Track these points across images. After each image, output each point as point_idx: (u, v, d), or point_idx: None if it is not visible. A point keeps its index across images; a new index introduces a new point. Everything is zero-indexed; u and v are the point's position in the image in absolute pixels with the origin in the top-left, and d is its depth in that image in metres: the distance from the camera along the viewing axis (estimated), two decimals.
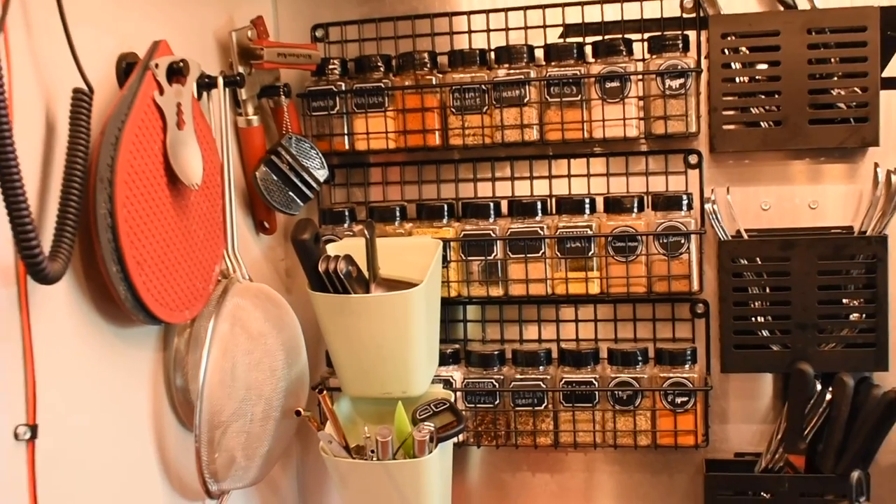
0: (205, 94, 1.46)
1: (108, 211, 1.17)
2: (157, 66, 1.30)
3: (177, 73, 1.33)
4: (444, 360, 1.70)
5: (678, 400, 1.61)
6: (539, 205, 1.67)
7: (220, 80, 1.46)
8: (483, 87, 1.65)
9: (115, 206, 1.17)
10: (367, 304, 1.52)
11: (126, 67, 1.30)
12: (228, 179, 1.47)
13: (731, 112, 1.62)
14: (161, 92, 1.29)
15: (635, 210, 1.64)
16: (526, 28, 1.72)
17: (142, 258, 1.22)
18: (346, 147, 1.73)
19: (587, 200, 1.66)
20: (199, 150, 1.35)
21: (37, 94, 1.13)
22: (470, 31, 1.74)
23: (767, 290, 1.61)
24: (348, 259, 1.50)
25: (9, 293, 1.07)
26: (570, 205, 1.66)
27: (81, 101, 1.14)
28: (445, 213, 1.71)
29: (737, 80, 1.61)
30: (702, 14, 1.65)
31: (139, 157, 1.23)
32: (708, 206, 1.63)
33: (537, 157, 1.74)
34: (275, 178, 1.62)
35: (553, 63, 1.66)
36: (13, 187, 0.98)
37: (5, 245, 1.05)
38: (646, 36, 1.66)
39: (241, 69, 1.59)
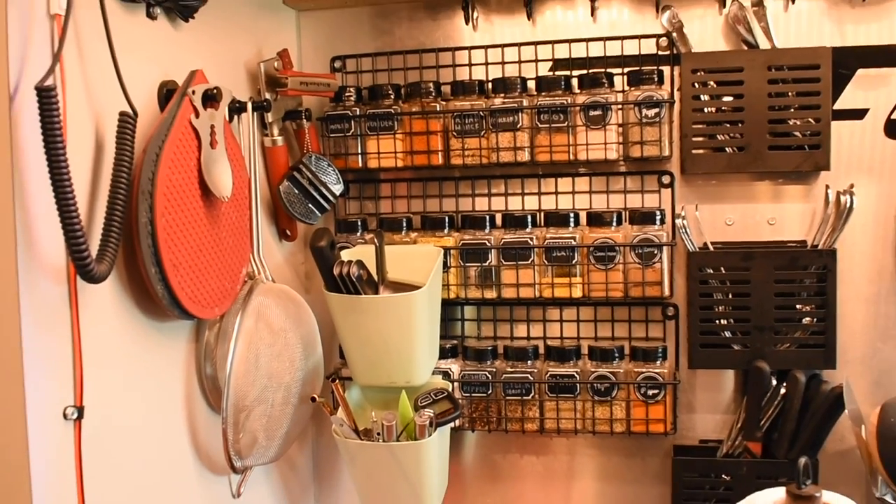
0: (235, 117, 1.47)
1: (148, 219, 1.19)
2: (193, 92, 1.31)
3: (211, 98, 1.34)
4: (444, 353, 1.71)
5: (650, 392, 1.62)
6: (529, 218, 1.68)
7: (249, 105, 1.47)
8: (481, 113, 1.66)
9: (155, 216, 1.19)
10: (376, 303, 1.53)
11: (166, 93, 1.31)
12: (255, 192, 1.48)
13: (699, 138, 1.62)
14: (197, 115, 1.30)
15: (614, 224, 1.64)
16: (520, 62, 1.72)
17: (177, 261, 1.23)
18: (360, 165, 1.73)
19: (571, 215, 1.67)
20: (229, 166, 1.36)
21: (88, 116, 1.15)
22: (470, 64, 1.75)
23: (730, 296, 1.62)
24: (360, 264, 1.51)
25: (61, 290, 1.08)
26: (556, 218, 1.67)
27: (126, 123, 1.15)
28: (446, 225, 1.71)
29: (705, 110, 1.62)
30: (675, 52, 1.66)
31: (176, 172, 1.24)
32: (679, 221, 1.64)
33: (528, 176, 1.74)
34: (296, 191, 1.63)
35: (543, 93, 1.67)
36: (66, 198, 1.00)
37: (58, 248, 1.07)
38: (625, 70, 1.67)
39: (267, 95, 1.60)
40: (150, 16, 1.30)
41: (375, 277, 1.57)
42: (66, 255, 1.07)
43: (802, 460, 1.22)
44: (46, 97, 0.98)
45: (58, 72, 1.06)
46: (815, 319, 1.59)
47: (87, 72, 1.14)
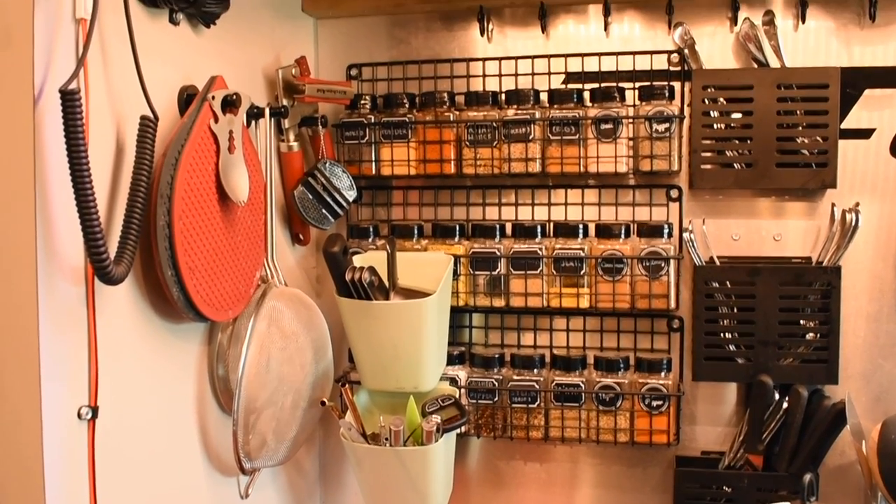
0: (253, 122, 1.46)
1: (166, 223, 1.18)
2: (213, 98, 1.30)
3: (230, 104, 1.33)
4: (451, 360, 1.69)
5: (654, 403, 1.60)
6: (539, 228, 1.66)
7: (267, 111, 1.46)
8: (494, 124, 1.65)
9: (173, 219, 1.18)
10: (387, 309, 1.51)
11: (187, 98, 1.31)
12: (270, 197, 1.46)
13: (708, 154, 1.61)
14: (216, 120, 1.30)
15: (622, 236, 1.62)
16: (533, 74, 1.71)
17: (193, 264, 1.22)
18: (373, 172, 1.72)
19: (581, 226, 1.65)
20: (246, 171, 1.34)
21: (109, 119, 1.14)
22: (484, 75, 1.74)
23: (735, 310, 1.60)
24: (371, 270, 1.50)
25: (78, 291, 1.07)
26: (565, 229, 1.66)
27: (147, 127, 1.14)
28: (457, 233, 1.69)
29: (714, 126, 1.60)
30: (686, 68, 1.64)
31: (195, 176, 1.23)
32: (686, 235, 1.63)
33: (539, 187, 1.73)
34: (310, 196, 1.62)
35: (555, 105, 1.65)
36: (86, 201, 0.99)
37: (76, 249, 1.06)
38: (637, 85, 1.65)
39: (285, 102, 1.59)
40: (173, 21, 1.29)
41: (386, 283, 1.55)
42: (85, 257, 1.06)
43: (807, 477, 1.21)
44: (70, 100, 0.97)
45: (81, 75, 1.05)
46: (818, 335, 1.57)
47: (110, 75, 1.13)
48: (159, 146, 1.19)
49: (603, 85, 1.66)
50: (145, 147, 1.14)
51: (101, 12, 1.08)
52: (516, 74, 1.72)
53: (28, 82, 1.00)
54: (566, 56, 1.70)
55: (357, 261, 1.60)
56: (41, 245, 1.01)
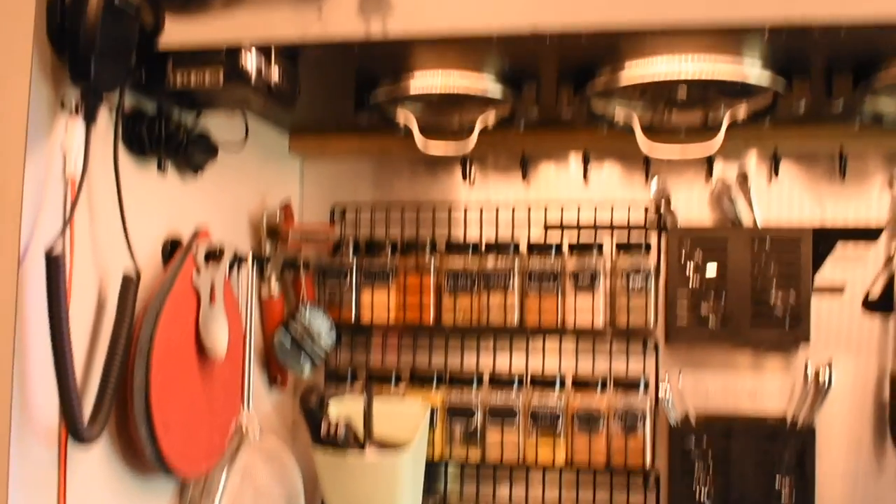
0: (235, 266, 1.47)
1: (143, 379, 1.17)
2: (196, 250, 1.31)
3: (213, 255, 1.34)
4: None
5: None
6: (516, 379, 1.67)
7: (250, 258, 1.48)
8: (473, 275, 1.68)
9: (150, 375, 1.17)
10: (362, 463, 1.49)
11: (171, 249, 1.32)
12: (249, 348, 1.46)
13: (684, 308, 1.63)
14: (198, 272, 1.30)
15: (599, 390, 1.63)
16: (513, 223, 1.75)
17: (169, 421, 1.20)
18: (353, 319, 1.72)
19: (557, 378, 1.66)
20: (226, 322, 1.34)
21: (93, 274, 1.14)
22: (465, 221, 1.78)
23: (710, 469, 1.60)
24: (347, 426, 1.48)
25: (51, 453, 1.06)
26: (542, 382, 1.66)
27: (129, 287, 1.14)
28: (434, 381, 1.70)
29: (690, 284, 1.63)
30: (662, 220, 1.68)
31: (174, 331, 1.23)
32: (661, 392, 1.63)
33: (517, 333, 1.74)
34: (289, 345, 1.62)
35: (535, 253, 1.68)
36: (64, 365, 0.99)
37: (51, 409, 1.04)
38: (615, 235, 1.69)
39: (268, 247, 1.61)
40: (161, 168, 1.31)
41: (361, 436, 1.53)
42: (60, 418, 1.04)
43: None
44: (55, 265, 0.98)
45: (67, 232, 1.06)
46: (793, 495, 1.57)
47: (96, 230, 1.14)
48: (141, 299, 1.19)
49: (582, 235, 1.70)
50: (126, 306, 1.13)
51: (91, 165, 1.09)
52: (497, 221, 1.76)
53: (14, 241, 1.00)
54: (546, 204, 1.74)
55: (334, 405, 1.59)
56: (16, 407, 0.99)
